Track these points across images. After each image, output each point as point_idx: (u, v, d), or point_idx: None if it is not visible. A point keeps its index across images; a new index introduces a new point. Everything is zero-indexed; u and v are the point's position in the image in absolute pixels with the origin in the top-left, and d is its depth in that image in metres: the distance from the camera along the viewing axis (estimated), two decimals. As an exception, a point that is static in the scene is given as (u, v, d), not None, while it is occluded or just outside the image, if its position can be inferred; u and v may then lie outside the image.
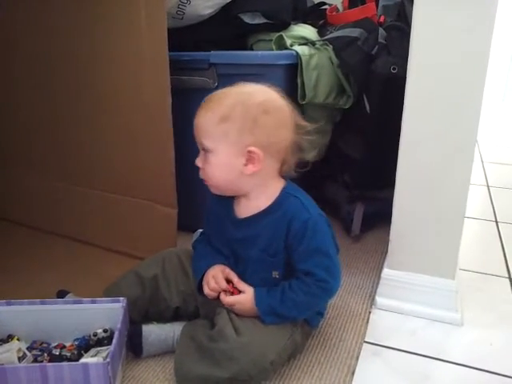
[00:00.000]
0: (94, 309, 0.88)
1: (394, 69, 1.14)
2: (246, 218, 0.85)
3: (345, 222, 1.38)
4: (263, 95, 0.81)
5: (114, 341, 0.78)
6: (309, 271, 0.80)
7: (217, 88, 1.17)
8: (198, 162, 0.84)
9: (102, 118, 1.16)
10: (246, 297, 0.83)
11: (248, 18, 1.24)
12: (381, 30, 1.21)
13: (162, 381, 0.82)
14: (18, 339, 0.87)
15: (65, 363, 0.75)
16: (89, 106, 1.17)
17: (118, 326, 0.82)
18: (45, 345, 0.88)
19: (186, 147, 1.13)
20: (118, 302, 0.88)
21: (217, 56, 1.15)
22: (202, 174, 0.84)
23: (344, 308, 1.02)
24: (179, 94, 1.07)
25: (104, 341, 0.86)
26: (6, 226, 1.46)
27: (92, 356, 0.81)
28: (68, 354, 0.83)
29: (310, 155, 0.86)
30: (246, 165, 0.80)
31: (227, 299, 0.83)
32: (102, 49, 1.11)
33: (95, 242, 1.28)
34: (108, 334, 0.87)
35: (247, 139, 0.78)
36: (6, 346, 0.82)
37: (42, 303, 0.87)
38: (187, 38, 1.27)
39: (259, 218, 0.84)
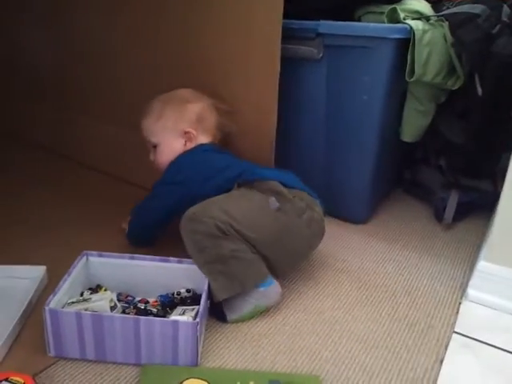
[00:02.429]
0: (179, 268, 0.91)
1: (516, 51, 1.06)
2: None
3: (437, 209, 1.33)
4: (181, 92, 1.11)
5: (202, 301, 0.80)
6: None
7: (322, 59, 1.16)
8: (150, 157, 1.11)
9: (207, 83, 1.17)
10: None
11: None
12: (505, 8, 1.13)
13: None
14: (105, 289, 0.90)
15: (157, 318, 0.77)
16: (197, 71, 1.18)
17: (205, 287, 0.84)
18: (130, 298, 0.91)
19: (286, 116, 1.14)
20: None
21: (326, 26, 1.12)
22: (154, 165, 1.10)
23: (432, 295, 1.00)
24: (283, 62, 1.05)
25: (187, 300, 0.89)
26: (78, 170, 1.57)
27: (180, 314, 0.83)
28: (154, 310, 0.86)
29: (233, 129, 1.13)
30: (185, 144, 1.07)
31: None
32: (212, 13, 1.11)
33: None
34: (190, 294, 0.90)
35: (186, 126, 1.07)
36: (100, 295, 0.85)
37: (131, 258, 0.91)
38: (292, 5, 1.25)
39: None
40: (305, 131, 1.26)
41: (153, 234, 1.09)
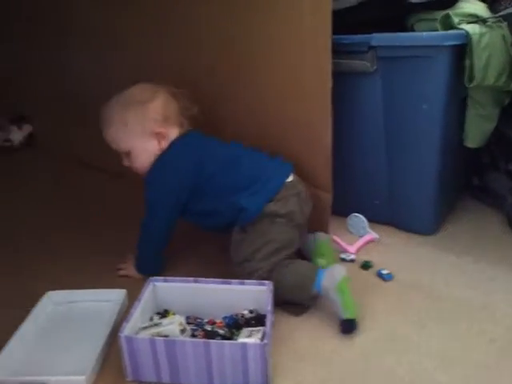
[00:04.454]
0: (242, 290, 0.92)
1: None
2: None
3: (508, 215, 1.26)
4: (135, 92, 1.07)
5: (268, 323, 0.81)
6: None
7: (376, 71, 1.15)
8: (125, 163, 1.09)
9: (259, 100, 1.19)
10: None
11: (412, -3, 1.18)
12: None
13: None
14: (173, 313, 0.93)
15: (226, 342, 0.79)
16: (248, 89, 1.20)
17: (269, 308, 0.85)
18: (198, 320, 0.93)
19: (342, 131, 1.14)
20: (264, 285, 0.91)
21: (378, 38, 1.11)
22: (133, 169, 1.09)
23: (511, 309, 0.94)
24: (335, 77, 1.05)
25: (251, 321, 0.90)
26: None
27: (247, 336, 0.84)
28: (221, 331, 0.87)
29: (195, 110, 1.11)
30: (159, 143, 1.06)
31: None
32: (262, 31, 1.12)
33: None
34: (253, 314, 0.91)
35: (155, 126, 1.05)
36: (169, 319, 0.87)
37: (195, 281, 0.93)
38: (342, 20, 1.25)
39: None
40: (363, 144, 1.25)
41: (163, 253, 1.11)
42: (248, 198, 1.01)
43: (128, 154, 1.07)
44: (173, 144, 1.07)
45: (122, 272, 1.12)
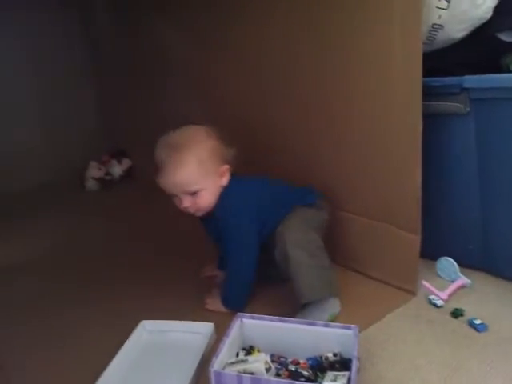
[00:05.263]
0: (326, 332, 0.92)
1: None
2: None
3: None
4: (194, 133, 1.12)
5: (354, 368, 0.80)
6: None
7: (468, 114, 1.12)
8: (186, 203, 1.09)
9: (349, 141, 1.21)
10: None
11: (506, 36, 1.15)
12: None
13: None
14: (258, 350, 0.95)
15: None
16: (337, 129, 1.23)
17: (355, 353, 0.84)
18: (282, 359, 0.94)
19: (431, 172, 1.12)
20: (350, 328, 0.90)
21: (472, 80, 1.09)
22: (191, 210, 1.11)
23: None
24: (424, 120, 1.05)
25: (336, 365, 0.89)
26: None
27: (332, 380, 0.83)
28: (305, 373, 0.87)
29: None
30: (222, 180, 1.12)
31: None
32: (351, 74, 1.15)
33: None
34: (338, 358, 0.90)
35: (218, 164, 1.10)
36: (255, 357, 0.89)
37: (281, 320, 0.95)
38: (433, 62, 1.24)
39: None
40: (455, 188, 1.22)
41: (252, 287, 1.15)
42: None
43: (194, 193, 1.08)
44: (231, 178, 1.14)
45: (208, 306, 1.17)
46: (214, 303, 1.16)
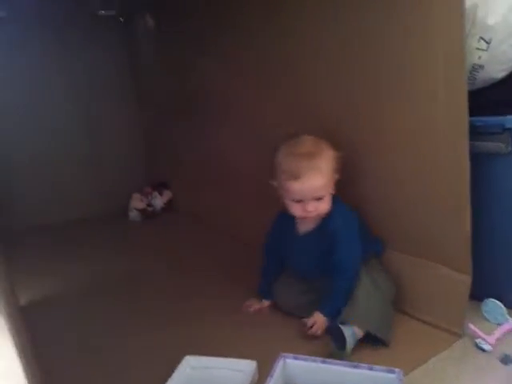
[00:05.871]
0: (370, 375, 0.91)
1: None
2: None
3: None
4: (315, 142, 1.18)
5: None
6: None
7: (510, 153, 1.12)
8: (310, 208, 1.15)
9: (396, 183, 1.23)
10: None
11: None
12: None
13: None
14: None
15: None
16: (386, 167, 1.25)
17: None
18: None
19: (478, 211, 1.11)
20: (394, 372, 0.89)
21: (514, 120, 1.09)
22: (311, 215, 1.17)
23: None
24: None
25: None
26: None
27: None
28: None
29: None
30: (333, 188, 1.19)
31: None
32: (397, 114, 1.18)
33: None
34: None
35: (334, 171, 1.18)
36: None
37: (323, 362, 0.95)
38: (475, 101, 1.25)
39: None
40: (502, 227, 1.20)
41: None
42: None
43: (319, 199, 1.16)
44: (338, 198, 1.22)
45: (314, 330, 1.14)
46: (319, 324, 1.15)
